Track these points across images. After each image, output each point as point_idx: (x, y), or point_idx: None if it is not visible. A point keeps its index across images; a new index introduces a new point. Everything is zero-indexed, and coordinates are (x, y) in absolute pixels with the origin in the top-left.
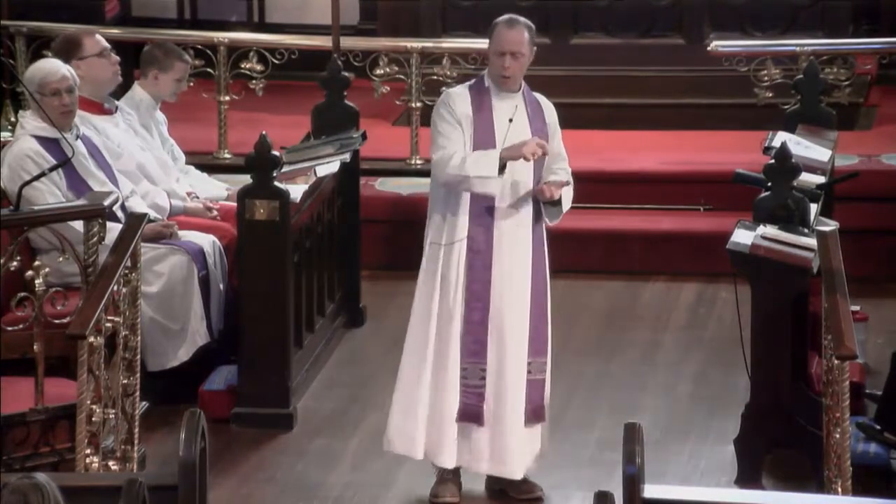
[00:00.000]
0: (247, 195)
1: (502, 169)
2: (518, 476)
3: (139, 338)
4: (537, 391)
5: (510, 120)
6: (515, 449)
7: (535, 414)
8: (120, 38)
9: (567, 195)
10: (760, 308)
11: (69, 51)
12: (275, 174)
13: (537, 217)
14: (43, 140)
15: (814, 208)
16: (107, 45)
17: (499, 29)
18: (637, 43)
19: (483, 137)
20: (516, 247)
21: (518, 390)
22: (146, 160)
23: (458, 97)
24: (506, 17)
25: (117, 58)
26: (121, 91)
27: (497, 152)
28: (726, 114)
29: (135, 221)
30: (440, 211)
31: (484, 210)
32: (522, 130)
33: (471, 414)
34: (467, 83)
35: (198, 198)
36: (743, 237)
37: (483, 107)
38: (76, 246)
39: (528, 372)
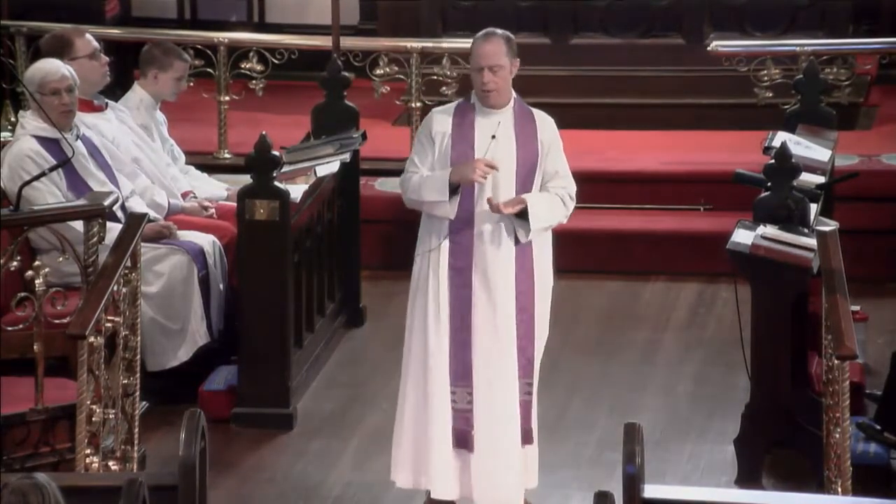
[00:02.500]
0: (247, 195)
1: (455, 190)
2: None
3: (139, 338)
4: (526, 413)
5: (493, 137)
6: (510, 476)
7: (525, 436)
8: (120, 38)
9: (546, 213)
10: (760, 308)
11: (60, 51)
12: (275, 174)
13: (520, 250)
14: (43, 140)
15: (814, 208)
16: (97, 45)
17: (475, 44)
18: (637, 43)
19: (461, 155)
20: (497, 266)
21: (510, 414)
22: (142, 155)
23: (440, 116)
24: (484, 31)
25: (107, 58)
26: (121, 91)
27: (447, 174)
28: (726, 114)
29: (135, 221)
30: (424, 222)
31: (464, 227)
32: (507, 147)
33: (461, 439)
34: (456, 101)
35: (195, 197)
36: (743, 237)
37: (465, 124)
38: (76, 246)
39: (520, 393)
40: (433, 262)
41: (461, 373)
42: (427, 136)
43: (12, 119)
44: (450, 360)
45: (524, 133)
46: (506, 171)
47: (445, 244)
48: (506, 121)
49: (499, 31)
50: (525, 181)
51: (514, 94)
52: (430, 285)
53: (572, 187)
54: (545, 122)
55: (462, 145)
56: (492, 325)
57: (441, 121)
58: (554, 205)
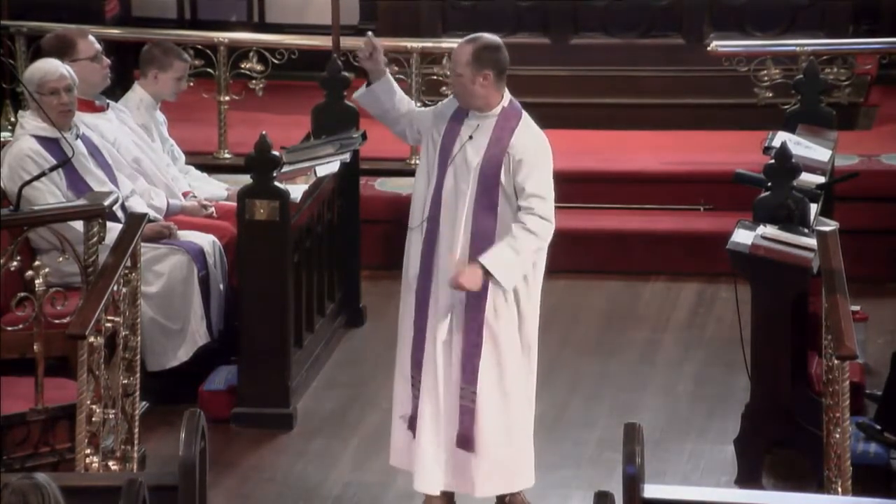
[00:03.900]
0: (247, 195)
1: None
2: (428, 491)
3: (139, 338)
4: (468, 419)
5: (470, 137)
6: (436, 472)
7: (463, 441)
8: (120, 38)
9: (513, 266)
10: (760, 308)
11: (62, 51)
12: (275, 174)
13: (479, 250)
14: (43, 140)
15: (814, 208)
16: (99, 47)
17: None
18: (637, 43)
19: (445, 144)
20: (449, 271)
21: (449, 414)
22: (142, 156)
23: (452, 104)
24: (472, 34)
25: (108, 60)
26: (120, 91)
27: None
28: (726, 114)
29: (135, 221)
30: (413, 197)
31: (433, 218)
32: (477, 148)
33: (410, 423)
34: None
35: (195, 197)
36: (743, 237)
37: (457, 119)
38: (76, 246)
39: (461, 397)
40: (413, 241)
41: (417, 360)
42: (439, 105)
43: (12, 119)
44: (411, 345)
45: (496, 140)
46: (469, 168)
47: (423, 227)
48: (486, 126)
49: (483, 38)
50: (487, 184)
51: (505, 103)
52: (405, 265)
53: (542, 208)
54: (526, 139)
55: (448, 135)
56: (442, 327)
57: (448, 108)
58: (517, 247)
